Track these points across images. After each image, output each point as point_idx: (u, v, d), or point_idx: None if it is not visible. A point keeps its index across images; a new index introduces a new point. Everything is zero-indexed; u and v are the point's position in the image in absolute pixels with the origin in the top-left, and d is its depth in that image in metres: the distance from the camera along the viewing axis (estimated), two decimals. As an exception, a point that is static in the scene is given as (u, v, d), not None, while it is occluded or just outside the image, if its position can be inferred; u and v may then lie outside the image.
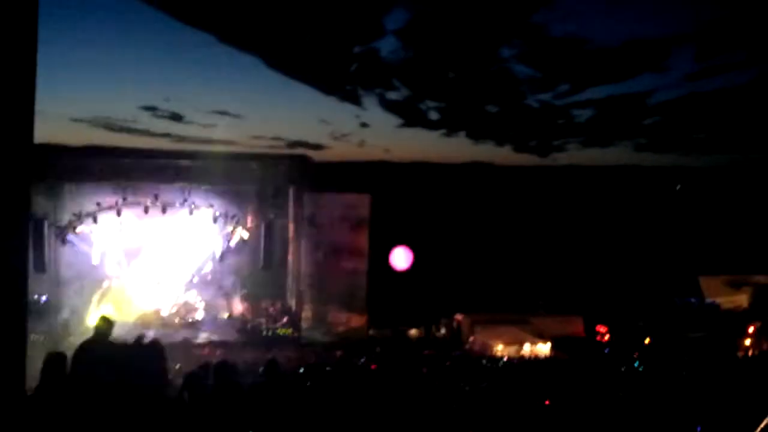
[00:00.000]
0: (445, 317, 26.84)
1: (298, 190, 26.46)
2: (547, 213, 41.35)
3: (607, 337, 25.82)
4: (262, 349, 21.10)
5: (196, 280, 26.54)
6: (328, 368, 17.46)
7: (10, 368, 3.59)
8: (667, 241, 37.16)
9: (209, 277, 26.70)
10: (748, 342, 24.48)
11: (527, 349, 23.80)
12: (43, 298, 23.03)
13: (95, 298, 24.42)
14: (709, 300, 29.11)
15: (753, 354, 23.47)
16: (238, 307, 26.33)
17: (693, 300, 29.21)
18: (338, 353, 21.88)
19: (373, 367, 18.63)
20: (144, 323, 24.07)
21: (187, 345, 21.91)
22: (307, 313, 25.33)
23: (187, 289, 26.29)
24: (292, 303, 26.61)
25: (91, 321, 22.08)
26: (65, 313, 23.20)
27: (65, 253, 24.35)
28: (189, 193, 25.54)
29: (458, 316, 26.50)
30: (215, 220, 26.10)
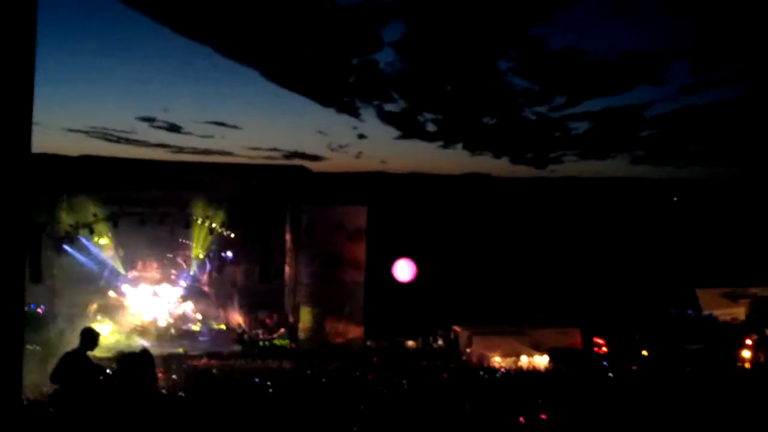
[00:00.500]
0: (443, 329, 26.78)
1: (295, 201, 26.48)
2: (545, 225, 41.38)
3: (604, 349, 25.77)
4: (258, 360, 21.04)
5: (192, 291, 26.50)
6: (323, 379, 17.43)
7: (7, 379, 3.58)
8: (665, 253, 37.17)
9: (206, 288, 26.67)
10: (745, 354, 24.46)
11: (525, 360, 23.73)
12: (39, 308, 22.96)
13: (91, 308, 24.34)
14: (706, 312, 29.09)
15: (751, 366, 23.44)
16: (235, 318, 26.27)
17: (690, 312, 29.18)
18: (335, 364, 21.80)
19: (369, 377, 18.58)
20: (140, 334, 24.03)
21: (183, 356, 21.81)
22: (304, 324, 25.27)
23: (184, 300, 26.25)
24: (290, 314, 26.56)
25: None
26: (61, 324, 23.11)
27: (61, 264, 24.29)
28: (186, 203, 25.56)
29: (456, 328, 26.44)
30: (212, 231, 26.12)
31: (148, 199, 25.11)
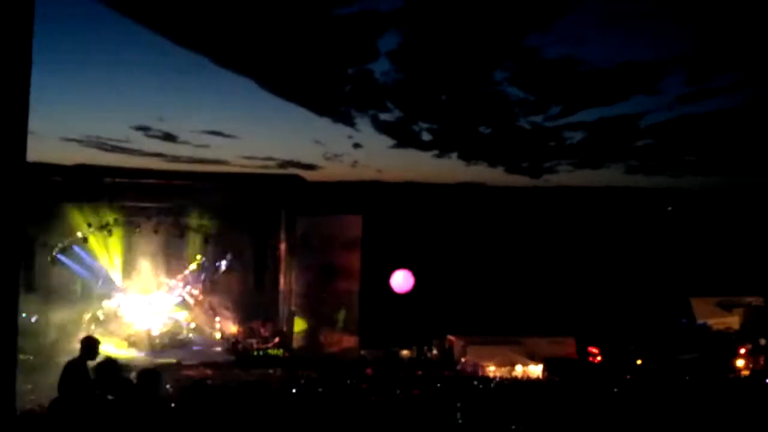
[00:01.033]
0: (437, 338, 26.79)
1: (290, 210, 26.47)
2: (539, 234, 41.43)
3: (599, 358, 25.80)
4: (253, 370, 20.98)
5: (187, 300, 26.41)
6: (319, 389, 17.38)
7: (2, 388, 3.57)
8: (659, 262, 37.23)
9: (200, 298, 26.59)
10: (739, 363, 24.51)
11: (519, 370, 23.75)
12: (33, 318, 22.83)
13: (85, 318, 24.23)
14: (700, 321, 29.16)
15: (745, 375, 23.48)
16: (229, 327, 26.19)
17: (684, 321, 29.25)
18: (330, 374, 21.74)
19: (363, 386, 18.55)
20: (134, 344, 23.95)
21: (176, 366, 21.73)
22: (298, 334, 25.22)
23: (178, 310, 26.16)
24: (284, 323, 26.49)
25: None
26: (54, 334, 22.98)
27: (55, 274, 24.19)
28: (180, 213, 25.52)
29: (450, 337, 26.46)
30: (207, 240, 26.07)
31: (142, 209, 25.07)
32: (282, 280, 26.91)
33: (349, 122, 60.93)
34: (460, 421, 12.16)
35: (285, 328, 26.05)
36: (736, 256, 36.21)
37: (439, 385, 19.23)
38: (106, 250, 25.23)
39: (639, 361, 24.36)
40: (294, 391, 16.26)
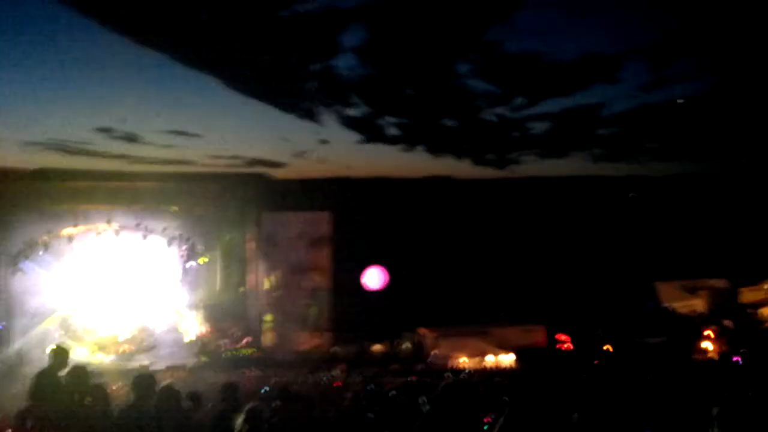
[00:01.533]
0: (409, 331, 26.84)
1: (257, 209, 26.31)
2: (507, 225, 41.64)
3: (568, 345, 26.06)
4: (223, 372, 20.83)
5: (153, 304, 26.14)
6: (292, 387, 17.30)
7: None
8: (624, 249, 37.66)
9: (167, 301, 26.33)
10: (705, 345, 24.91)
11: (490, 360, 23.92)
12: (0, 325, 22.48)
13: (50, 325, 23.86)
14: (665, 305, 29.59)
15: (711, 357, 23.87)
16: (198, 329, 25.97)
17: (650, 305, 29.65)
18: (302, 371, 21.70)
19: (336, 384, 18.52)
20: (101, 350, 23.65)
21: (145, 370, 21.48)
22: (269, 333, 25.11)
23: (145, 314, 25.86)
24: (254, 323, 26.35)
25: (47, 349, 21.60)
26: (19, 342, 22.63)
27: (17, 282, 23.77)
28: (144, 216, 25.25)
29: (421, 330, 26.53)
30: (170, 242, 25.83)
31: (104, 212, 24.78)
32: (251, 280, 26.75)
33: (315, 119, 60.56)
34: (427, 413, 12.16)
35: (255, 328, 25.91)
36: (699, 240, 36.75)
37: (412, 378, 19.28)
38: (69, 256, 24.88)
39: (607, 347, 24.63)
40: (265, 390, 16.16)
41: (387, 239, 36.62)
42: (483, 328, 26.22)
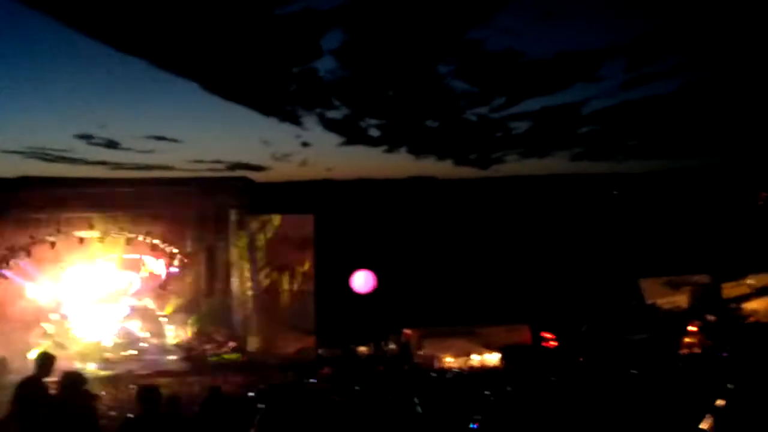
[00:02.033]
0: (394, 332, 26.85)
1: (239, 212, 26.20)
2: (490, 224, 41.81)
3: (553, 343, 26.19)
4: (208, 377, 20.70)
5: (137, 308, 25.94)
6: (277, 392, 17.25)
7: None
8: (607, 246, 37.92)
9: (151, 306, 26.14)
10: (689, 341, 25.11)
11: (476, 359, 23.97)
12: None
13: (33, 333, 23.60)
14: (649, 302, 29.79)
15: (695, 352, 24.07)
16: (182, 334, 25.79)
17: (634, 302, 29.86)
18: (288, 376, 21.63)
19: (323, 387, 18.49)
20: (84, 356, 23.41)
21: (129, 376, 21.32)
22: (254, 337, 24.99)
23: (128, 319, 25.65)
24: (238, 328, 26.22)
25: (30, 357, 21.38)
26: (1, 350, 22.35)
27: (-1, 289, 23.52)
28: (127, 221, 25.06)
29: (407, 331, 26.55)
30: (154, 247, 25.64)
31: (87, 218, 24.58)
32: (234, 284, 26.63)
33: (296, 121, 60.61)
34: (419, 414, 12.20)
35: (240, 332, 25.80)
36: (681, 236, 37.07)
37: (397, 379, 19.28)
38: (51, 262, 24.64)
39: (592, 344, 24.77)
40: (251, 394, 16.09)
41: (371, 240, 36.66)
42: (468, 328, 26.29)
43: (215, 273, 26.71)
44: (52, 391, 7.76)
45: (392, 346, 26.52)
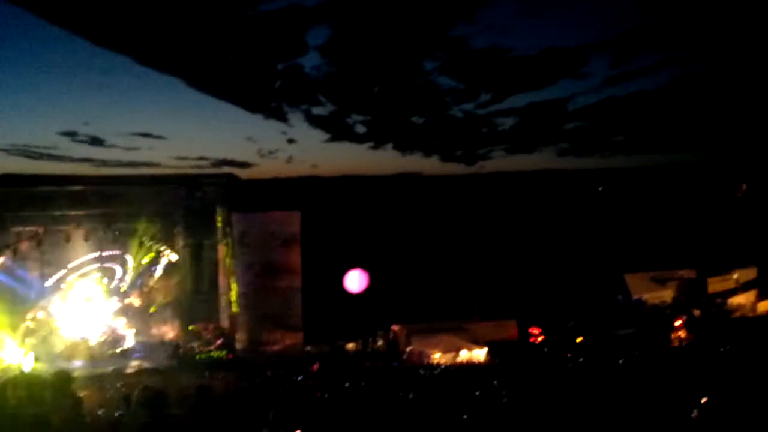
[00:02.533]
0: (382, 329, 26.82)
1: (226, 210, 26.12)
2: (477, 220, 41.82)
3: (540, 338, 26.26)
4: (196, 374, 20.63)
5: (124, 307, 25.82)
6: (265, 388, 17.21)
7: None
8: (593, 242, 38.02)
9: (137, 304, 26.03)
10: (675, 335, 25.26)
11: (464, 355, 24.00)
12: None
13: (20, 330, 23.43)
14: (635, 297, 29.92)
15: (681, 345, 24.21)
16: (170, 332, 25.70)
17: (620, 298, 29.98)
18: (276, 372, 21.56)
19: (310, 383, 18.45)
20: (71, 354, 23.29)
21: (117, 374, 21.21)
22: (241, 335, 24.91)
23: (115, 317, 25.54)
24: (226, 325, 26.15)
25: (17, 355, 21.28)
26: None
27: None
28: (113, 218, 24.93)
29: (395, 327, 26.54)
30: (141, 244, 25.53)
31: (73, 216, 24.42)
32: (221, 281, 26.54)
33: (282, 118, 60.08)
34: (409, 410, 12.20)
35: (227, 330, 25.72)
36: (667, 232, 37.23)
37: (385, 376, 19.27)
38: (37, 260, 24.48)
39: (579, 339, 24.88)
40: (241, 392, 16.05)
41: (358, 237, 36.58)
42: (456, 324, 26.31)
43: (202, 270, 26.62)
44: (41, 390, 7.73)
45: (380, 342, 26.50)
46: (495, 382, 15.06)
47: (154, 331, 25.73)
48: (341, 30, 53.73)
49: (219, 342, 24.89)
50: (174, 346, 24.69)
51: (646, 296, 29.87)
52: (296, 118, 68.57)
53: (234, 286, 25.52)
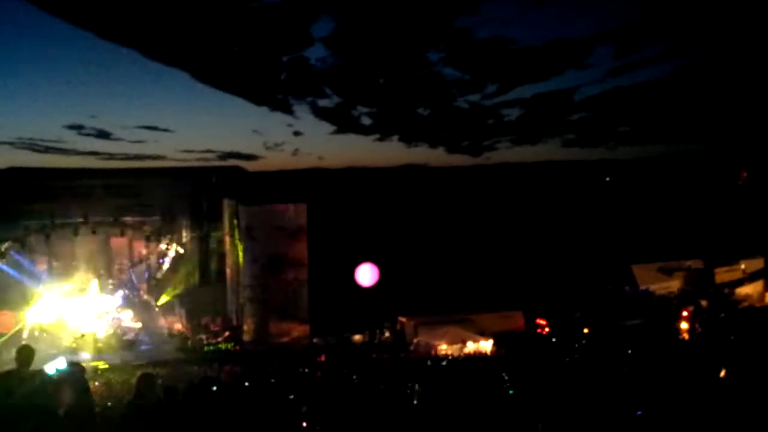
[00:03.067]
0: (389, 321, 26.85)
1: (232, 202, 26.15)
2: (483, 211, 41.78)
3: (547, 329, 26.25)
4: (204, 366, 20.72)
5: (131, 299, 25.92)
6: (272, 380, 17.26)
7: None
8: (600, 233, 37.94)
9: (145, 296, 26.12)
10: (683, 325, 25.22)
11: (470, 347, 24.02)
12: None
13: (29, 324, 23.54)
14: (643, 287, 29.86)
15: (688, 337, 24.18)
16: (178, 324, 25.78)
17: (627, 288, 29.92)
18: (282, 364, 21.62)
19: (318, 374, 18.50)
20: (79, 347, 23.39)
21: (125, 366, 21.30)
22: (248, 326, 24.98)
23: (123, 310, 25.62)
24: (233, 317, 26.22)
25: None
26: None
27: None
28: (121, 211, 25.01)
29: (401, 319, 26.57)
30: (148, 237, 25.62)
31: (80, 209, 24.50)
32: (228, 273, 26.59)
33: (288, 110, 60.19)
34: (415, 403, 12.22)
35: (234, 322, 25.79)
36: (673, 222, 37.12)
37: (392, 368, 19.30)
38: (45, 254, 24.58)
39: (586, 330, 24.85)
40: (247, 384, 16.10)
41: (364, 229, 36.59)
42: (463, 315, 26.31)
43: (209, 263, 26.68)
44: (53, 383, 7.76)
45: (387, 334, 26.54)
46: (503, 374, 15.06)
47: (162, 323, 25.79)
48: (346, 21, 53.79)
49: (227, 334, 24.97)
50: (182, 338, 24.78)
51: (653, 287, 29.80)
52: (302, 110, 68.86)
53: (241, 279, 25.57)
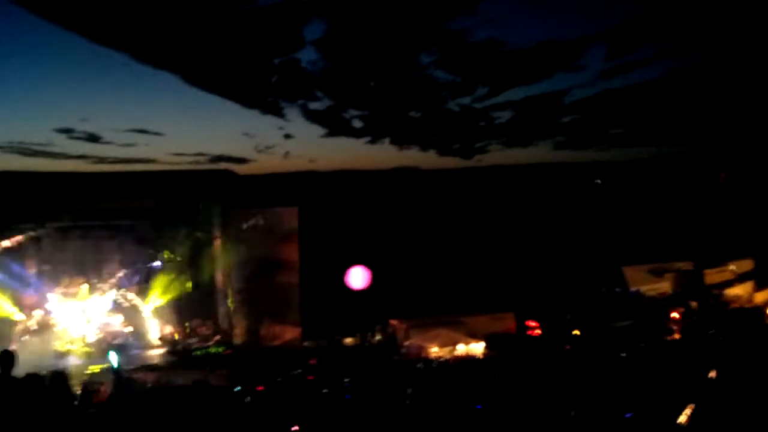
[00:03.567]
0: (380, 324, 26.85)
1: (223, 205, 26.09)
2: (474, 214, 41.84)
3: (537, 331, 26.31)
4: (194, 370, 20.62)
5: (121, 303, 25.79)
6: (263, 384, 17.21)
7: None
8: (591, 235, 38.06)
9: (135, 301, 26.00)
10: (673, 327, 25.31)
11: (462, 349, 24.03)
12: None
13: (16, 329, 23.42)
14: (633, 289, 29.96)
15: (678, 338, 24.25)
16: (168, 328, 25.68)
17: (618, 290, 30.00)
18: (274, 367, 21.56)
19: (309, 378, 18.47)
20: (68, 351, 23.26)
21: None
22: (239, 330, 24.92)
23: (113, 314, 25.50)
24: (224, 321, 26.15)
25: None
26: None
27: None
28: (110, 215, 24.90)
29: (392, 322, 26.58)
30: (139, 241, 25.50)
31: (69, 213, 24.38)
32: (219, 277, 26.52)
33: (279, 113, 59.97)
34: (407, 403, 12.21)
35: (225, 325, 25.72)
36: (664, 224, 37.25)
37: (383, 370, 19.28)
38: (34, 258, 24.45)
39: (576, 332, 24.91)
40: (238, 388, 16.05)
41: (356, 232, 36.58)
42: (454, 318, 26.32)
43: (200, 266, 26.57)
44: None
45: (378, 337, 26.54)
46: (496, 376, 15.07)
47: (152, 327, 25.68)
48: (338, 24, 53.67)
49: (217, 338, 24.90)
50: (172, 343, 24.69)
51: (643, 288, 29.92)
52: (293, 113, 68.65)
53: (231, 282, 25.51)
